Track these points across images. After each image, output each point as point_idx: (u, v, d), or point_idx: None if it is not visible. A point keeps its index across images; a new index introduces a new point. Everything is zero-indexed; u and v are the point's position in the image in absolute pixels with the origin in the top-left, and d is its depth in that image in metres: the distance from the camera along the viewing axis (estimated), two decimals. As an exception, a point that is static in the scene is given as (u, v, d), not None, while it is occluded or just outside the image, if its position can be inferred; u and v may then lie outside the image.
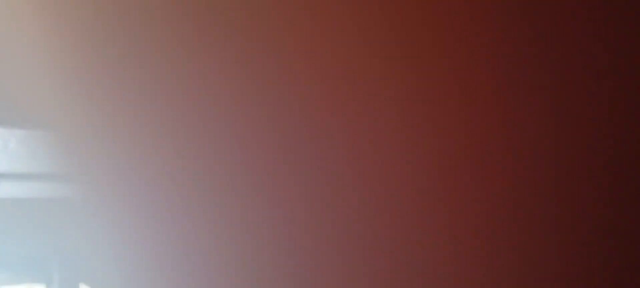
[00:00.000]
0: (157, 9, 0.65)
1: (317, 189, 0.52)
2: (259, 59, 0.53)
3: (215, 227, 0.71)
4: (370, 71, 0.46)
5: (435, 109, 0.43)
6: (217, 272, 0.74)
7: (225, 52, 0.58)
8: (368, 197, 0.48)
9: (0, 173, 0.87)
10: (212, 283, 0.75)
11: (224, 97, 0.60)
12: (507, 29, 0.39)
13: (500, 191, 0.42)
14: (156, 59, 0.68)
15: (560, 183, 0.39)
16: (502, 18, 0.40)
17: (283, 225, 0.58)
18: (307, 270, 0.57)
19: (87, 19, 0.76)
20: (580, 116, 0.38)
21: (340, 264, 0.51)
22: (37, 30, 0.86)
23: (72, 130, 0.86)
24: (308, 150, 0.52)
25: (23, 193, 0.89)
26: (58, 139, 0.87)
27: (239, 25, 0.55)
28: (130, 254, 0.91)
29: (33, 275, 1.23)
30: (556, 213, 0.40)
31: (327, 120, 0.49)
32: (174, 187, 0.74)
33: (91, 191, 0.87)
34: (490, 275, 0.44)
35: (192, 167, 0.70)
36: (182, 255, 0.80)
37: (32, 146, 0.88)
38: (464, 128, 0.42)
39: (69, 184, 0.90)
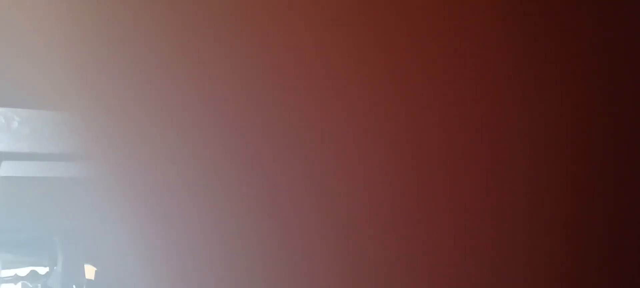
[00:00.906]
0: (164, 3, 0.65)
1: (312, 188, 0.51)
2: (259, 62, 0.52)
3: (215, 212, 0.70)
4: (364, 74, 0.45)
5: (426, 111, 0.42)
6: (217, 255, 0.74)
7: (225, 52, 0.58)
8: (362, 196, 0.48)
9: (3, 153, 0.86)
10: (212, 264, 0.75)
11: (222, 91, 0.60)
12: (495, 32, 0.39)
13: (490, 190, 0.41)
14: (159, 44, 0.67)
15: (553, 182, 0.39)
16: (492, 21, 0.39)
17: (275, 213, 0.58)
18: (298, 263, 0.57)
19: (93, 1, 0.75)
20: (573, 116, 0.37)
21: (334, 261, 0.51)
22: (42, 11, 0.85)
23: (77, 111, 0.86)
24: (303, 150, 0.51)
25: (26, 173, 0.89)
26: (62, 119, 0.86)
27: (240, 29, 0.54)
28: (134, 235, 0.91)
29: (36, 257, 1.23)
30: (549, 213, 0.39)
31: (324, 122, 0.48)
32: (178, 170, 0.74)
33: (95, 171, 0.87)
34: (478, 272, 0.44)
35: (194, 152, 0.70)
36: (185, 236, 0.80)
37: (35, 126, 0.87)
38: (454, 128, 0.41)
39: (73, 164, 0.90)
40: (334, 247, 0.51)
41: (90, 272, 1.06)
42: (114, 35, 0.74)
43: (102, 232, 0.97)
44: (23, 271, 1.26)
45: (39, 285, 1.21)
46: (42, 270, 1.25)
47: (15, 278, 1.25)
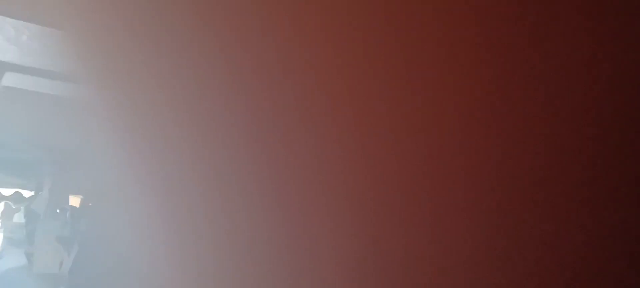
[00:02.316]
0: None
1: (312, 186, 0.52)
2: (262, 60, 0.53)
3: (211, 151, 0.71)
4: (365, 73, 0.46)
5: (426, 110, 0.43)
6: (207, 199, 0.74)
7: (228, 52, 0.59)
8: (364, 195, 0.48)
9: (8, 63, 0.86)
10: (202, 205, 0.75)
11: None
12: (495, 33, 0.39)
13: (493, 189, 0.42)
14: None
15: (550, 183, 0.40)
16: (492, 22, 0.40)
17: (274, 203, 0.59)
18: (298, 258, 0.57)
19: None
20: (574, 116, 0.38)
21: (338, 257, 0.51)
22: None
23: (86, 34, 0.86)
24: (304, 149, 0.52)
25: (28, 87, 0.89)
26: (71, 40, 0.86)
27: (243, 28, 0.55)
28: (125, 169, 0.91)
29: (24, 179, 1.23)
30: (547, 213, 0.40)
31: (325, 122, 0.49)
32: (179, 108, 0.74)
33: (96, 96, 0.87)
34: (475, 271, 0.44)
35: (196, 87, 0.70)
36: (177, 177, 0.80)
37: (45, 43, 0.88)
38: (454, 127, 0.42)
39: (76, 86, 0.90)
40: (338, 242, 0.52)
41: (75, 200, 1.06)
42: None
43: (93, 162, 0.97)
44: (8, 191, 1.27)
45: (22, 207, 1.21)
46: (27, 193, 1.25)
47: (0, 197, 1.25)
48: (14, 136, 1.02)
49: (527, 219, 0.42)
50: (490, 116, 0.43)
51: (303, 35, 0.50)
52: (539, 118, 0.41)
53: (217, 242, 0.70)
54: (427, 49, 0.44)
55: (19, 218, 1.21)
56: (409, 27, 0.44)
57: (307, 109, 0.53)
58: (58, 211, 1.06)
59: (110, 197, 0.97)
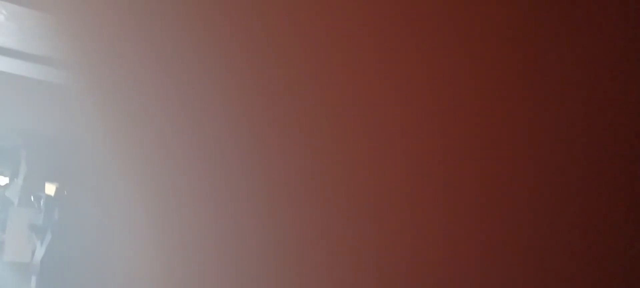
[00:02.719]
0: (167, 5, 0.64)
1: (314, 187, 0.51)
2: (262, 58, 0.51)
3: (198, 147, 0.69)
4: (367, 72, 0.45)
5: (430, 109, 0.42)
6: (193, 192, 0.73)
7: (229, 50, 0.57)
8: (366, 196, 0.47)
9: (-15, 43, 0.84)
10: (188, 200, 0.74)
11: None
12: (503, 32, 0.38)
13: (492, 191, 0.41)
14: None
15: (556, 182, 0.39)
16: (498, 20, 0.39)
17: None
18: (301, 265, 0.56)
19: None
20: (573, 118, 0.37)
21: (337, 260, 0.50)
22: None
23: (66, 15, 0.84)
24: (306, 149, 0.51)
25: (4, 69, 0.86)
26: (50, 22, 0.84)
27: (243, 25, 0.54)
28: (105, 159, 0.89)
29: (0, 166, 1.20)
30: (548, 215, 0.39)
31: (326, 121, 0.48)
32: (165, 96, 0.73)
33: (78, 82, 0.85)
34: (482, 273, 0.43)
35: (184, 74, 0.69)
36: (161, 169, 0.78)
37: (23, 24, 0.85)
38: (458, 128, 0.41)
39: (55, 70, 0.88)
40: (334, 246, 0.51)
41: (51, 188, 1.03)
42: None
43: (71, 150, 0.95)
44: (-18, 177, 1.23)
45: (-4, 193, 1.18)
46: (3, 180, 1.22)
47: (-27, 183, 1.22)
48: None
49: (539, 223, 0.41)
50: (499, 116, 0.42)
51: (301, 30, 0.49)
52: (550, 119, 0.40)
53: (203, 238, 0.68)
54: (432, 48, 0.43)
55: (-8, 205, 1.18)
56: (415, 24, 0.43)
57: (302, 107, 0.52)
58: (32, 199, 1.03)
59: (88, 187, 0.94)
